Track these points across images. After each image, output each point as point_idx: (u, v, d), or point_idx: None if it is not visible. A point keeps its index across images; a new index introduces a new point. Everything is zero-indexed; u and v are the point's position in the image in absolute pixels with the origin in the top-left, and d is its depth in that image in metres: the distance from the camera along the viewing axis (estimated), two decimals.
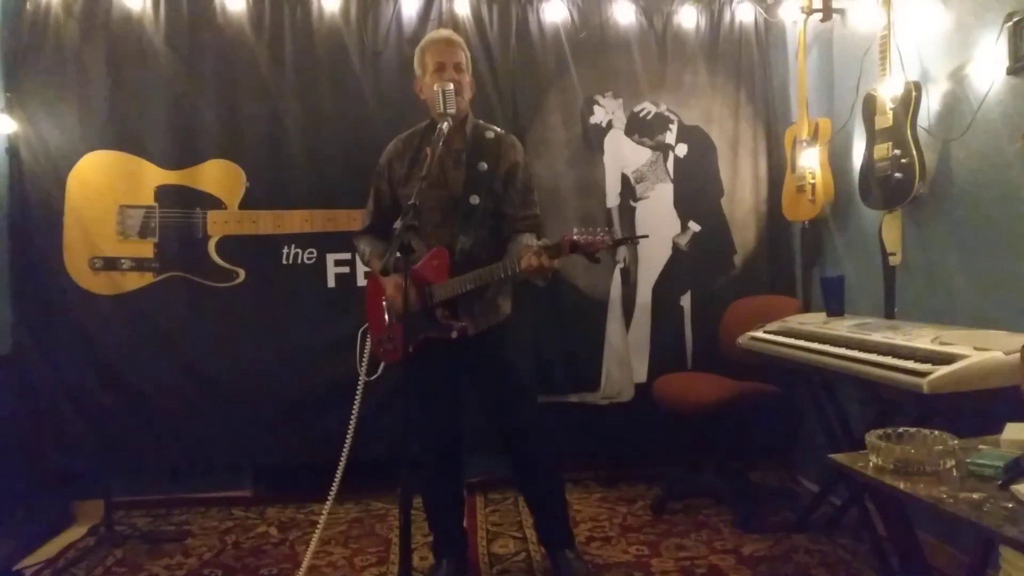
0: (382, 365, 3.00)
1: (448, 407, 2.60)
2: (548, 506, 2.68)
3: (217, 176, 3.38)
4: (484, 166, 2.49)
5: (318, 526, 2.72)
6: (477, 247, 2.47)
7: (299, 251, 3.43)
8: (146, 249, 3.35)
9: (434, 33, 2.63)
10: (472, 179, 2.48)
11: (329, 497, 2.70)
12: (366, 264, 2.77)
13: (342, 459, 2.72)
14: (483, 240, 2.49)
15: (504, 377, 2.59)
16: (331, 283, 3.44)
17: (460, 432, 2.65)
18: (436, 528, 2.69)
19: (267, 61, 3.39)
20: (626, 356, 3.61)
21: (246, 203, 3.40)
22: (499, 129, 2.62)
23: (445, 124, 2.29)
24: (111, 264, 3.34)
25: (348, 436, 2.72)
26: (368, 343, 2.77)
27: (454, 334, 2.41)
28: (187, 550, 3.00)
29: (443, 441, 2.62)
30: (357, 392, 2.77)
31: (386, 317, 2.57)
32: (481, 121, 2.61)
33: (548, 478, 2.67)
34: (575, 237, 2.20)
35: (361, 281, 3.39)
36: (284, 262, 3.42)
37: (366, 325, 2.76)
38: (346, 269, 3.43)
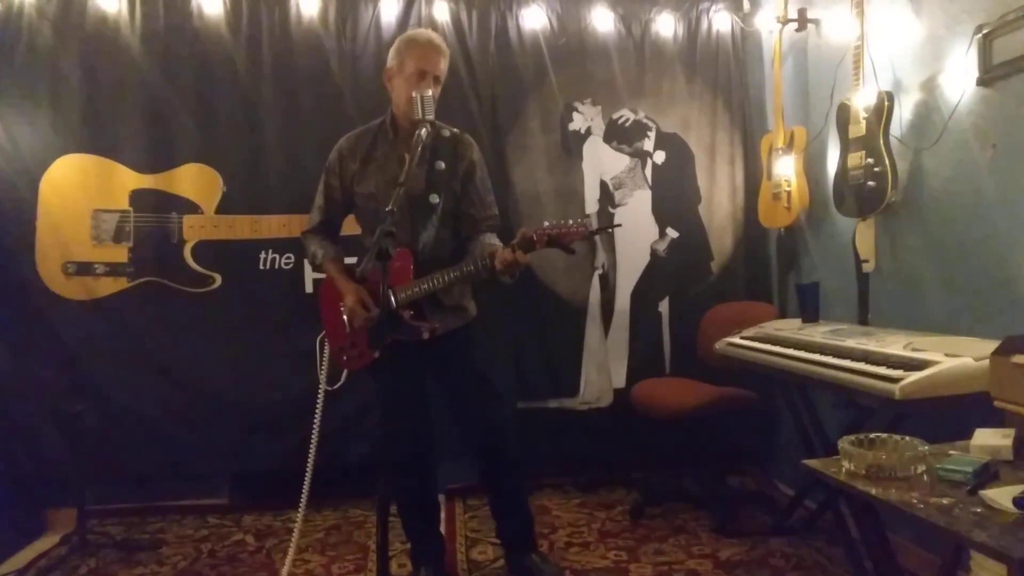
0: (344, 373, 2.96)
1: (418, 411, 2.58)
2: (515, 508, 2.68)
3: (193, 180, 3.35)
4: (442, 165, 2.50)
5: (292, 539, 2.66)
6: (438, 247, 2.49)
7: (276, 256, 3.40)
8: (120, 254, 3.31)
9: (421, 34, 2.57)
10: (431, 178, 2.48)
11: (300, 510, 2.62)
12: (315, 267, 2.72)
13: (308, 471, 2.62)
14: (443, 239, 2.51)
15: (472, 377, 2.60)
16: (309, 288, 3.40)
17: (431, 436, 2.63)
18: (413, 535, 2.68)
19: (245, 64, 3.37)
20: (605, 361, 3.63)
21: (223, 207, 3.37)
22: (455, 129, 2.62)
23: (424, 130, 2.27)
24: (85, 269, 3.29)
25: (312, 448, 2.62)
26: (327, 351, 2.69)
27: (425, 335, 2.37)
28: (161, 559, 2.96)
29: (414, 446, 2.59)
30: (318, 403, 2.65)
31: (346, 325, 2.54)
32: (436, 121, 2.52)
33: (517, 480, 2.68)
34: (549, 230, 2.20)
35: None
36: (261, 267, 3.39)
37: (323, 333, 2.71)
38: (324, 275, 3.40)
